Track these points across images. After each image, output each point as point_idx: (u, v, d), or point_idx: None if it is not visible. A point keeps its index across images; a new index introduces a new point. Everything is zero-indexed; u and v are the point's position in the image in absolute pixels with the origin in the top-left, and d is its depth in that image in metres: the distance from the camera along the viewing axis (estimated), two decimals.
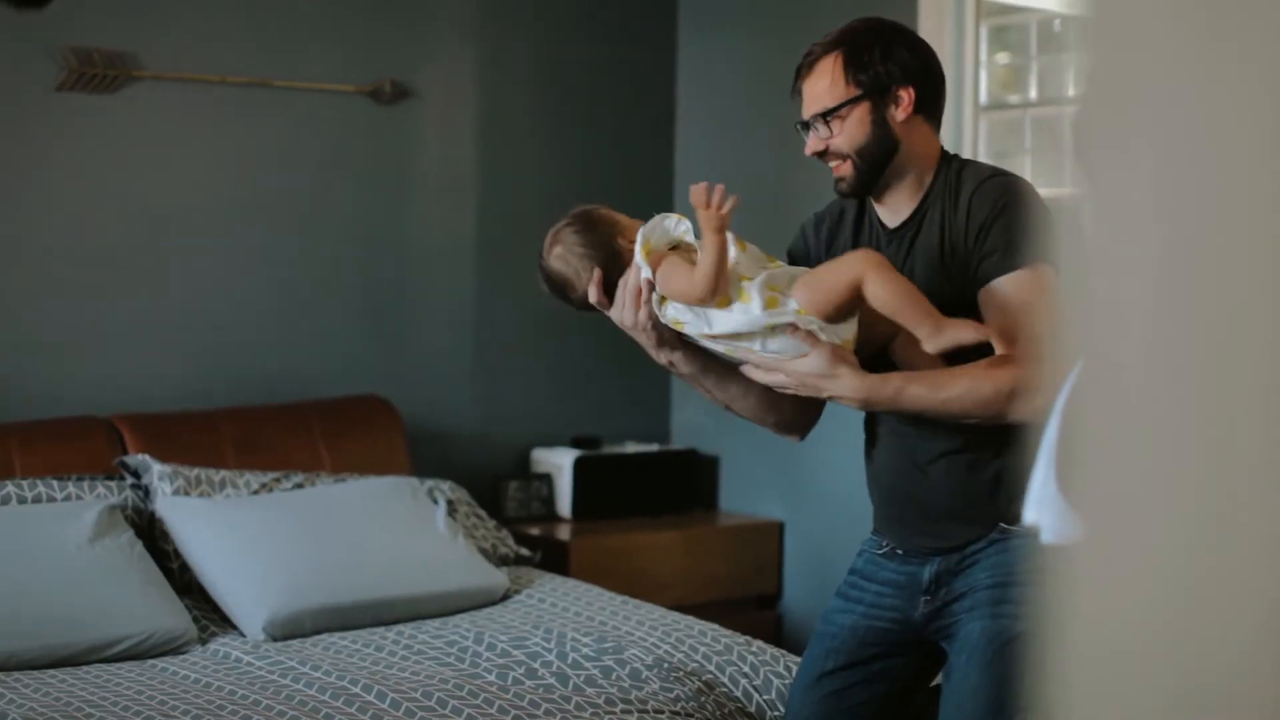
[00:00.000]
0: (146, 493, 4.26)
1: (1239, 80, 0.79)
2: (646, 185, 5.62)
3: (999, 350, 2.79)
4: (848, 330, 2.81)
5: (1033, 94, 6.23)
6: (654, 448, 5.51)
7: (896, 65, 2.94)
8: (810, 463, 5.12)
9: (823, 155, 2.96)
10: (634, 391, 5.63)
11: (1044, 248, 2.81)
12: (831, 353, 2.78)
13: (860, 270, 2.77)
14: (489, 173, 5.28)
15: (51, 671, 3.59)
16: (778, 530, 5.33)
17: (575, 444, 5.40)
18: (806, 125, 2.97)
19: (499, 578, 4.25)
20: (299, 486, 4.40)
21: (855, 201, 3.04)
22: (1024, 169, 6.13)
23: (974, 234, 2.87)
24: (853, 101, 2.92)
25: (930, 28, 4.66)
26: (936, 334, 2.75)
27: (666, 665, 3.66)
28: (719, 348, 2.86)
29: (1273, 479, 0.78)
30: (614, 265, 2.91)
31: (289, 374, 4.90)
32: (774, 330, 2.78)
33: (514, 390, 5.39)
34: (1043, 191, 6.18)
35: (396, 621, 4.00)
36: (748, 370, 2.85)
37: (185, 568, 4.10)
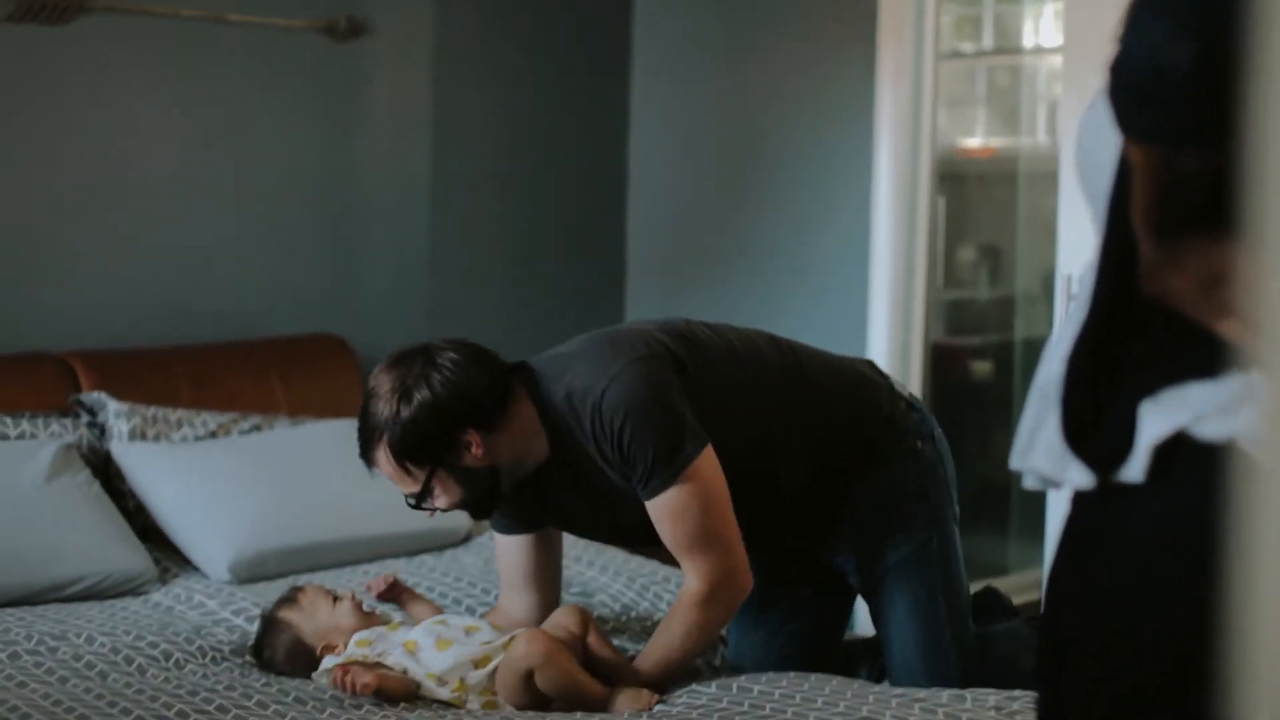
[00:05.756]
0: (102, 431, 4.17)
1: None
2: (600, 128, 5.57)
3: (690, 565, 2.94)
4: None
5: (987, 43, 6.23)
6: None
7: (439, 427, 2.88)
8: None
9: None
10: (590, 311, 5.53)
11: (682, 442, 2.87)
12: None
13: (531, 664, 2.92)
14: (444, 111, 5.21)
15: (9, 610, 3.50)
16: None
17: None
18: None
19: (461, 519, 4.20)
20: (256, 429, 4.32)
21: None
22: (976, 118, 6.14)
23: (618, 453, 2.90)
24: (430, 477, 2.90)
25: None
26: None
27: (634, 614, 3.66)
28: None
29: None
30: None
31: (241, 311, 4.81)
32: None
33: (469, 329, 5.31)
34: (995, 141, 6.15)
35: (360, 562, 3.95)
36: None
37: (142, 508, 4.02)
